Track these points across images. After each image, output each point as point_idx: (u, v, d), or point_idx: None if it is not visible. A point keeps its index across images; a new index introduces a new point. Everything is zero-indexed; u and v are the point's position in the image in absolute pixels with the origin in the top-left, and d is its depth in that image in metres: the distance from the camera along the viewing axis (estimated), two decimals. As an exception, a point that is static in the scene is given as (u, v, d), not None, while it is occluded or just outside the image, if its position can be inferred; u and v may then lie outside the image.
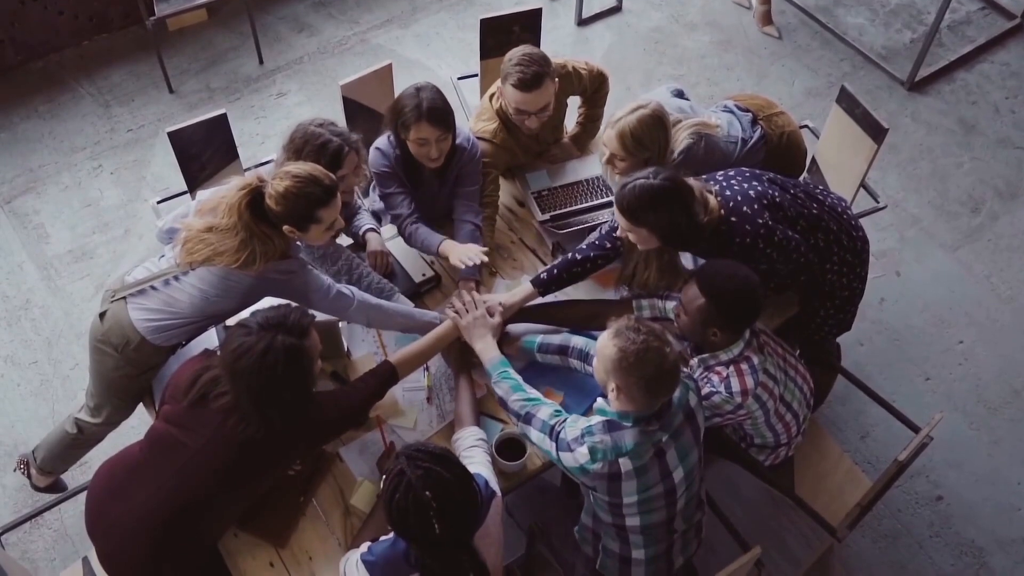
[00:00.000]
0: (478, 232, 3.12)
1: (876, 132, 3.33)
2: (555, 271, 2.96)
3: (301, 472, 2.68)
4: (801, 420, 2.87)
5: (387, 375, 2.65)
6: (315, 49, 5.09)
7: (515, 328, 3.00)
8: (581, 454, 2.37)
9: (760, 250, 2.75)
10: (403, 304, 2.96)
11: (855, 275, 3.01)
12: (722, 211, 2.75)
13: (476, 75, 3.96)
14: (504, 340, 2.94)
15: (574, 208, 3.35)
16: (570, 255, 2.98)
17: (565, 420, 2.46)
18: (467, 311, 2.84)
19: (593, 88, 3.43)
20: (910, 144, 4.74)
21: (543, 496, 2.94)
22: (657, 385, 2.33)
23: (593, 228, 3.16)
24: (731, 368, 2.65)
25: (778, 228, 2.76)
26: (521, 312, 2.99)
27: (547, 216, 3.32)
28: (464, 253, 2.95)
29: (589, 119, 3.53)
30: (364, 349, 2.99)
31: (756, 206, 2.76)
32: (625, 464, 2.36)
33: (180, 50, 5.04)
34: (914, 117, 4.86)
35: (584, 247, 2.99)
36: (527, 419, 2.52)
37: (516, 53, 3.09)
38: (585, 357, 2.74)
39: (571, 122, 3.64)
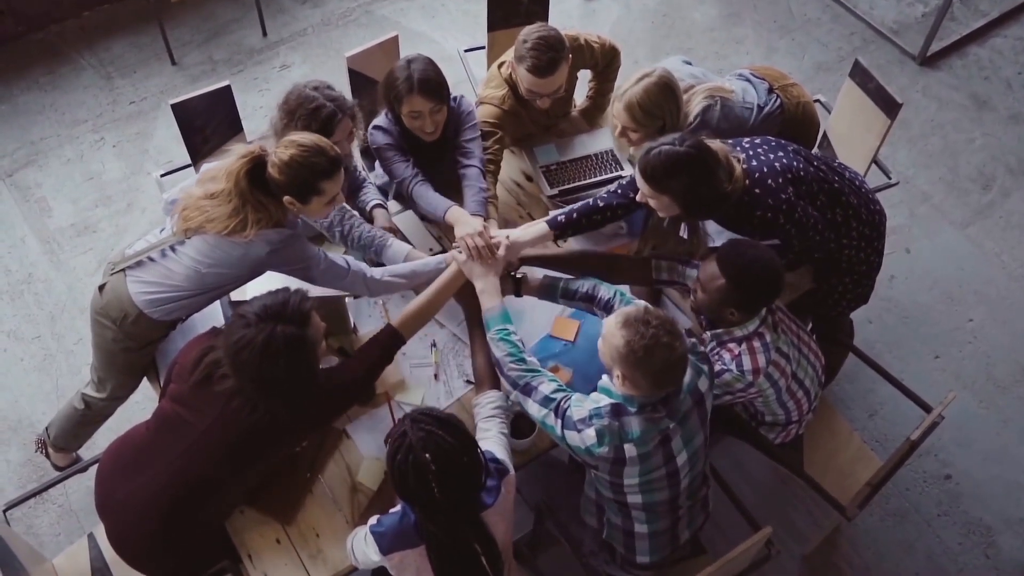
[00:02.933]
0: (483, 176, 3.06)
1: (889, 107, 3.28)
2: (574, 215, 2.87)
3: (308, 449, 2.67)
4: (812, 397, 2.85)
5: (390, 340, 2.58)
6: (319, 21, 5.02)
7: (534, 272, 2.89)
8: (588, 436, 2.34)
9: (780, 225, 2.71)
10: (399, 250, 2.88)
11: (872, 249, 2.98)
12: (747, 181, 2.69)
13: (483, 47, 3.90)
14: (522, 284, 2.83)
15: (583, 183, 3.32)
16: (591, 201, 2.90)
17: (570, 397, 2.42)
18: (465, 244, 2.73)
19: (604, 63, 3.39)
20: (921, 120, 4.68)
21: (550, 472, 2.93)
22: (664, 378, 2.30)
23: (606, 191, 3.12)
24: (743, 346, 2.63)
25: (800, 204, 2.72)
26: (534, 260, 2.90)
27: (555, 191, 3.28)
28: (469, 227, 2.83)
29: (599, 93, 3.49)
30: (371, 325, 2.96)
31: (781, 179, 2.71)
32: (630, 450, 2.34)
33: (182, 21, 4.97)
34: (925, 92, 4.80)
35: (605, 195, 2.91)
36: (526, 390, 2.45)
37: (531, 35, 3.03)
38: (611, 310, 2.62)
39: (580, 95, 3.59)
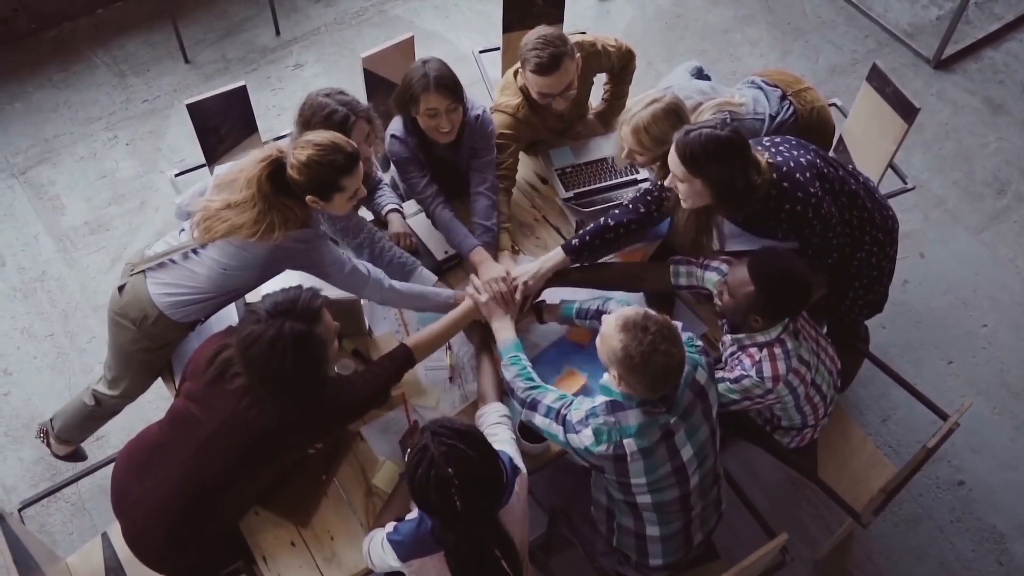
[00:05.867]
0: (493, 209, 3.08)
1: (907, 111, 3.28)
2: (587, 237, 2.89)
3: (322, 451, 2.67)
4: (829, 401, 2.85)
5: (403, 359, 2.62)
6: (332, 20, 5.02)
7: (553, 296, 2.95)
8: (586, 436, 2.35)
9: (808, 220, 2.68)
10: (427, 278, 2.93)
11: (884, 255, 2.97)
12: (774, 175, 2.66)
13: (498, 48, 3.90)
14: (544, 308, 2.91)
15: (598, 186, 3.31)
16: (603, 220, 2.91)
17: (571, 403, 2.44)
18: (489, 288, 2.81)
19: (620, 65, 3.38)
20: (935, 123, 4.66)
21: (563, 476, 2.93)
22: (661, 382, 2.30)
23: (617, 207, 3.12)
24: (764, 352, 2.62)
25: (826, 200, 2.70)
26: (557, 274, 2.92)
27: (571, 194, 3.27)
28: (495, 271, 2.89)
29: (615, 96, 3.48)
30: (385, 327, 2.96)
31: (808, 174, 2.69)
32: (630, 445, 2.34)
33: (196, 19, 4.97)
34: (940, 96, 4.78)
35: (617, 212, 2.92)
36: (532, 405, 2.50)
37: (531, 37, 3.04)
38: None
39: (596, 98, 3.58)
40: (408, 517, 2.28)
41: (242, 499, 2.53)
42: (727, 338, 2.72)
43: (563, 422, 2.41)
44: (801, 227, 2.70)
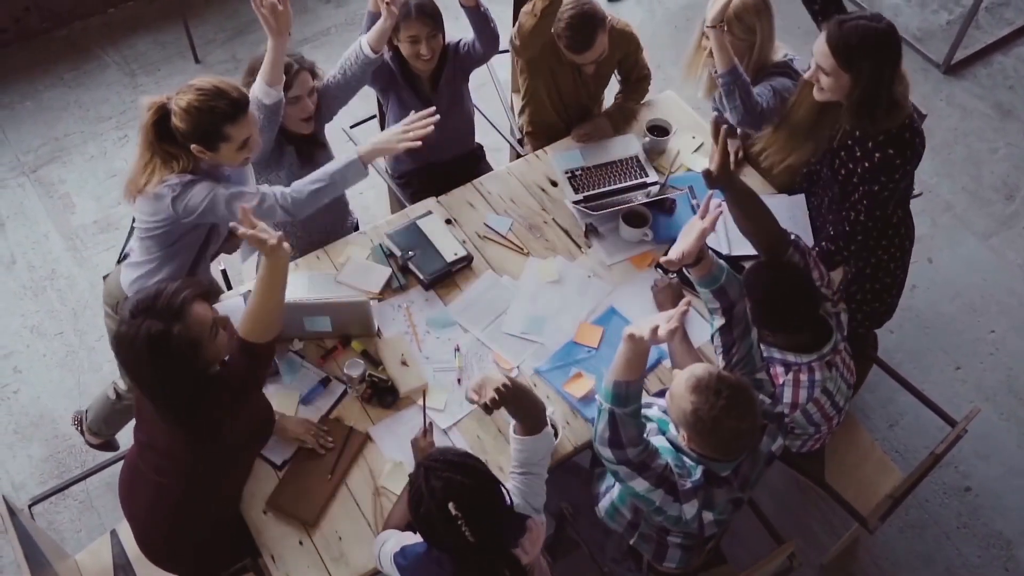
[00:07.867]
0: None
1: (916, 117, 3.27)
2: None
3: (332, 452, 2.67)
4: (842, 412, 2.83)
5: (243, 353, 2.22)
6: (342, 20, 5.03)
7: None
8: (690, 509, 2.26)
9: (892, 181, 2.57)
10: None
11: (899, 263, 2.97)
12: (907, 119, 2.51)
13: (507, 51, 3.90)
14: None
15: (607, 189, 3.31)
16: None
17: (668, 464, 2.27)
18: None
19: (636, 77, 3.43)
20: (944, 128, 4.66)
21: (571, 478, 2.92)
22: (733, 447, 2.21)
23: (627, 210, 3.13)
24: (790, 375, 2.58)
25: (904, 182, 2.62)
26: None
27: (580, 196, 3.28)
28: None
29: (626, 101, 3.52)
30: (395, 329, 2.95)
31: (922, 149, 2.61)
32: (707, 517, 2.30)
33: (206, 19, 4.99)
34: (949, 101, 4.78)
35: None
36: (641, 468, 2.24)
37: (564, 14, 3.12)
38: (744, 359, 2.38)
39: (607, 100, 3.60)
40: (417, 541, 2.22)
41: (223, 498, 2.50)
42: (762, 348, 2.70)
43: (672, 490, 2.25)
44: (879, 180, 2.56)
